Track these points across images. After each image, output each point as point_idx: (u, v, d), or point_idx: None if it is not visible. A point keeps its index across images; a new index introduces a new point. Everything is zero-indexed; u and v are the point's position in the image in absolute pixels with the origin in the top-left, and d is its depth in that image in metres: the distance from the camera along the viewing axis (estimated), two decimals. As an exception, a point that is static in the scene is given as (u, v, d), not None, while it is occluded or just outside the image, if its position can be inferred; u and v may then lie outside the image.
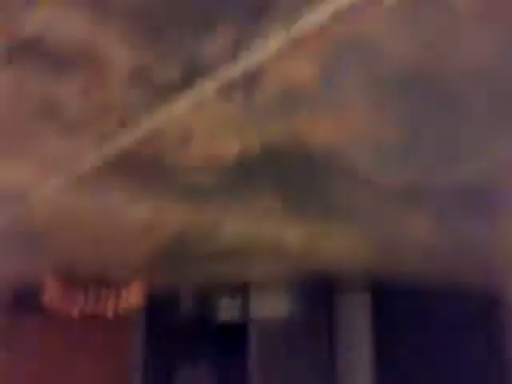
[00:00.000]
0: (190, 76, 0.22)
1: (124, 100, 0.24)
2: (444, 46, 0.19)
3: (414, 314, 0.97)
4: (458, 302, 1.06)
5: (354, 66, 0.19)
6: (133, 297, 1.02)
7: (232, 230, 0.53)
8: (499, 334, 1.12)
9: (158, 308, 1.36)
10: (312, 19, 0.19)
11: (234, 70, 0.22)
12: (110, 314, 1.05)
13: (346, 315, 0.92)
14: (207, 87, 0.23)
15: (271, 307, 1.04)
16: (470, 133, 0.24)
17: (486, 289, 1.11)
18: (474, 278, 0.98)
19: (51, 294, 1.13)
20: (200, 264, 0.75)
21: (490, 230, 0.47)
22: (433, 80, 0.20)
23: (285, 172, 0.33)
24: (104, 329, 1.52)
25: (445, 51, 0.19)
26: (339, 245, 0.54)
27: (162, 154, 0.31)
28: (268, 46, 0.20)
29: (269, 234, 0.54)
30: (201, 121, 0.26)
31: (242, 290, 1.10)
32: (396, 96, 0.21)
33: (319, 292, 0.96)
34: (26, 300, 1.54)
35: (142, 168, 0.34)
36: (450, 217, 0.41)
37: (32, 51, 0.26)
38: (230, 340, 1.16)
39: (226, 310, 1.16)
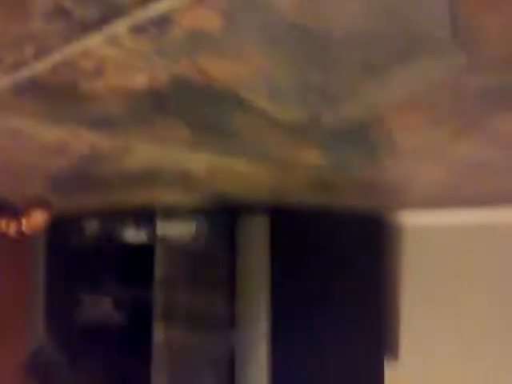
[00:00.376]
0: (107, 15, 0.24)
1: (42, 32, 0.25)
2: (328, 3, 0.23)
3: (309, 236, 1.06)
4: (347, 225, 1.16)
5: (252, 16, 0.23)
6: (37, 218, 1.02)
7: (141, 157, 0.55)
8: (384, 252, 1.27)
9: (62, 230, 1.35)
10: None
11: (147, 12, 0.24)
12: (12, 234, 1.04)
13: (246, 238, 0.99)
14: (121, 25, 0.25)
15: (176, 231, 1.09)
16: (348, 80, 0.29)
17: (372, 213, 1.23)
18: (362, 204, 1.08)
19: None
20: (108, 188, 0.76)
21: (370, 162, 0.54)
22: (317, 34, 0.24)
23: (192, 105, 0.36)
24: (5, 250, 1.50)
25: (329, 9, 0.22)
26: (240, 173, 0.59)
27: (74, 84, 0.33)
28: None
29: (176, 161, 0.57)
30: (113, 55, 0.28)
31: (148, 214, 1.13)
32: (286, 44, 0.25)
33: (222, 217, 1.02)
34: None
35: (55, 95, 0.35)
36: (336, 150, 0.47)
37: None
38: (136, 263, 1.20)
39: (132, 234, 1.19)
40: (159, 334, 1.09)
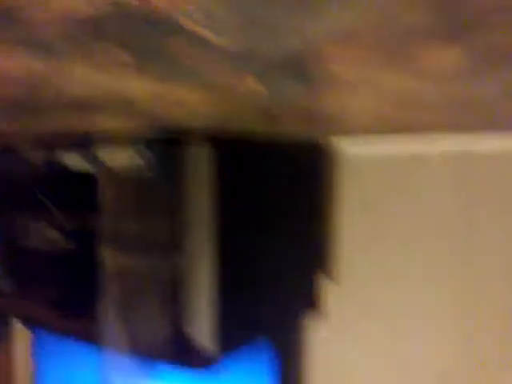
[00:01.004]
0: None
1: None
2: None
3: (251, 163, 1.09)
4: (288, 152, 1.20)
5: None
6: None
7: (81, 83, 0.55)
8: (324, 179, 1.33)
9: (2, 160, 1.32)
10: None
11: None
12: None
13: (189, 165, 1.00)
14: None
15: (119, 158, 1.09)
16: (286, 14, 0.31)
17: (312, 141, 1.27)
18: (302, 133, 1.12)
19: None
20: (48, 116, 0.75)
21: (308, 92, 0.56)
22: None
23: (133, 32, 0.36)
24: None
25: None
26: (182, 101, 0.60)
27: (15, 9, 0.32)
28: None
29: (117, 88, 0.57)
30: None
31: (90, 141, 1.12)
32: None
33: (165, 144, 1.03)
34: None
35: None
36: (275, 79, 0.48)
37: None
38: (80, 191, 1.20)
39: (75, 162, 1.17)
40: (106, 259, 1.11)
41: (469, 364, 1.24)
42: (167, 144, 1.04)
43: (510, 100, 0.59)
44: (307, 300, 1.31)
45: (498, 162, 1.19)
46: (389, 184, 1.31)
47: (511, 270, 1.20)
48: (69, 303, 1.22)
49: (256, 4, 0.29)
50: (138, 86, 0.54)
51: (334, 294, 1.36)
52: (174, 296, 1.02)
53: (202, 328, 0.97)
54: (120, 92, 0.57)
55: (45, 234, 1.27)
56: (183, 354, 1.01)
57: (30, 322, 1.45)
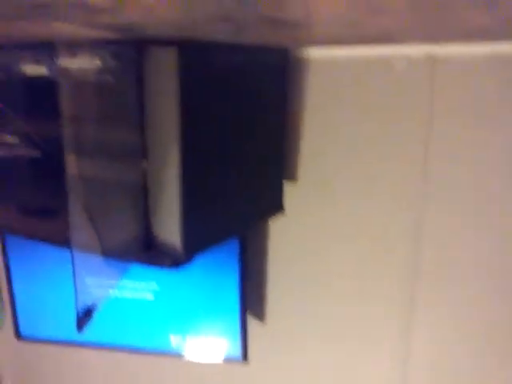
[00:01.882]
0: None
1: None
2: None
3: (218, 68, 1.08)
4: (254, 57, 1.19)
5: None
6: None
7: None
8: (290, 84, 1.33)
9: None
10: None
11: None
12: None
13: (154, 69, 0.99)
14: None
15: (80, 64, 1.06)
16: None
17: (280, 48, 1.25)
18: (269, 40, 1.10)
19: None
20: (4, 21, 0.72)
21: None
22: None
23: None
24: None
25: None
26: (148, 7, 0.58)
27: None
28: None
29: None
30: None
31: (50, 47, 1.07)
32: None
33: (128, 48, 1.00)
34: None
35: None
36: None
37: None
38: (41, 98, 1.17)
39: (34, 68, 1.13)
40: (71, 166, 1.11)
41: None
42: (128, 46, 1.01)
43: (467, 6, 0.61)
44: (270, 199, 1.37)
45: (462, 67, 1.21)
46: (352, 87, 1.32)
47: (466, 183, 1.27)
48: (36, 207, 1.23)
49: None
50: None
51: (294, 194, 1.42)
52: (141, 197, 1.05)
53: (171, 227, 1.01)
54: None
55: (6, 141, 1.25)
56: (152, 253, 1.05)
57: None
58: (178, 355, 1.56)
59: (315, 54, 1.31)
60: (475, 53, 1.16)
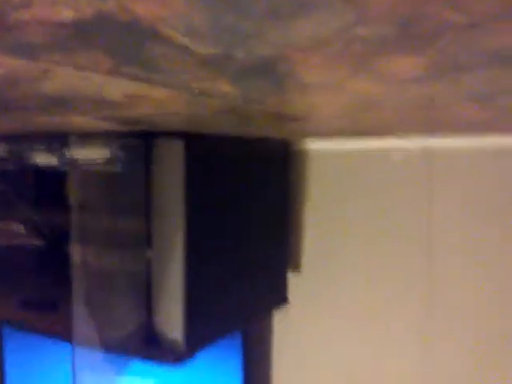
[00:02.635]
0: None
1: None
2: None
3: (222, 160, 1.11)
4: (258, 149, 1.22)
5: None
6: None
7: (58, 82, 0.56)
8: (292, 175, 1.35)
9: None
10: None
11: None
12: None
13: (161, 161, 1.02)
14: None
15: (90, 154, 1.09)
16: (256, 24, 0.33)
17: (282, 140, 1.30)
18: (272, 133, 1.14)
19: None
20: (21, 112, 0.75)
21: (278, 95, 0.59)
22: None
23: (115, 38, 0.38)
24: None
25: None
26: (157, 100, 0.61)
27: (1, 13, 0.34)
28: None
29: (93, 87, 0.58)
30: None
31: (61, 137, 1.12)
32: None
33: (137, 140, 1.04)
34: None
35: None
36: (246, 82, 0.51)
37: None
38: (49, 187, 1.20)
39: (45, 158, 1.17)
40: (77, 256, 1.11)
41: (430, 366, 1.30)
42: (137, 138, 1.04)
43: (462, 103, 0.63)
44: (274, 291, 1.34)
45: (459, 160, 1.24)
46: (352, 179, 1.35)
47: (470, 268, 1.25)
48: (38, 299, 1.21)
49: (230, 14, 0.31)
50: (115, 86, 0.55)
51: (298, 285, 1.40)
52: (144, 291, 1.03)
53: (174, 323, 0.99)
54: (96, 91, 0.58)
55: (12, 230, 1.26)
56: (155, 349, 1.02)
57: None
58: None
59: (316, 145, 1.35)
60: (471, 145, 1.20)
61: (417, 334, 1.31)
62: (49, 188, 1.19)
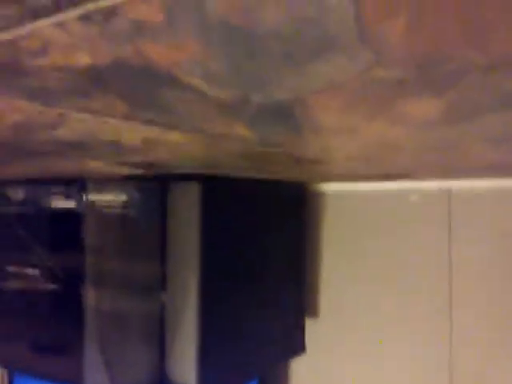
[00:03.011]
0: (58, 4, 0.26)
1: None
2: (251, 11, 0.26)
3: (239, 203, 1.10)
4: (274, 193, 1.22)
5: (188, 13, 0.26)
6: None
7: (75, 128, 0.56)
8: (308, 218, 1.34)
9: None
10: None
11: (96, 3, 0.27)
12: None
13: (177, 204, 1.02)
14: (72, 12, 0.28)
15: (106, 198, 1.10)
16: (272, 69, 0.33)
17: (298, 183, 1.29)
18: (289, 176, 1.14)
19: None
20: (38, 157, 0.76)
21: (295, 138, 0.59)
22: (244, 31, 0.27)
23: (131, 83, 0.38)
24: None
25: (252, 13, 0.26)
26: (173, 144, 0.61)
27: (17, 61, 0.34)
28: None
29: (110, 133, 0.58)
30: (59, 38, 0.30)
31: (78, 181, 1.13)
32: (217, 37, 0.28)
33: (153, 184, 1.04)
34: None
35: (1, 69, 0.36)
36: (263, 126, 0.51)
37: None
38: (65, 231, 1.20)
39: (61, 202, 1.18)
40: (91, 300, 1.10)
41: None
42: (155, 183, 1.05)
43: (480, 145, 0.62)
44: (291, 338, 1.30)
45: (476, 201, 1.22)
46: (369, 220, 1.33)
47: (491, 307, 1.21)
48: (49, 343, 1.20)
49: (247, 59, 0.31)
50: (131, 131, 0.55)
51: (314, 330, 1.36)
52: (158, 335, 1.01)
53: (187, 368, 0.96)
54: (112, 136, 0.59)
55: (27, 274, 1.25)
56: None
57: (8, 363, 1.41)
58: None
59: (332, 187, 1.34)
60: (489, 187, 1.18)
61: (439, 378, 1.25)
62: (64, 232, 1.19)
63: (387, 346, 1.30)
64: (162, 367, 0.98)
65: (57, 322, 1.20)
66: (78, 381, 1.05)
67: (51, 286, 1.20)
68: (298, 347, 1.32)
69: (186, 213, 1.01)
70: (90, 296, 1.10)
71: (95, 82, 0.37)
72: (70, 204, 1.17)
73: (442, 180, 1.22)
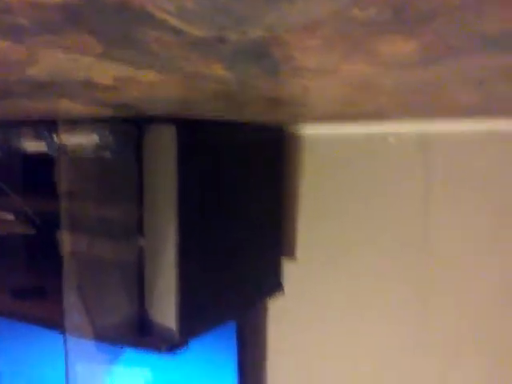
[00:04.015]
0: None
1: None
2: None
3: (215, 145, 1.11)
4: (251, 135, 1.22)
5: None
6: None
7: (46, 66, 0.56)
8: (286, 161, 1.36)
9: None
10: None
11: None
12: None
13: (153, 147, 1.02)
14: None
15: (79, 141, 1.09)
16: (251, 5, 0.33)
17: (276, 125, 1.30)
18: (266, 118, 1.14)
19: None
20: (7, 98, 0.75)
21: (272, 78, 0.59)
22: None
23: (105, 20, 0.38)
24: None
25: None
26: (148, 84, 0.61)
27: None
28: None
29: (82, 71, 0.58)
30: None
31: (50, 123, 1.11)
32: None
33: (127, 126, 1.03)
34: None
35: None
36: (240, 65, 0.51)
37: None
38: (38, 174, 1.19)
39: (33, 145, 1.17)
40: (67, 245, 1.11)
41: (426, 343, 1.32)
42: (127, 124, 1.04)
43: (456, 87, 0.64)
44: (269, 279, 1.35)
45: (455, 144, 1.25)
46: (347, 164, 1.35)
47: (466, 254, 1.27)
48: (28, 288, 1.22)
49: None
50: (104, 70, 0.55)
51: (293, 273, 1.41)
52: (137, 280, 1.04)
53: (167, 312, 1.00)
54: (85, 76, 0.58)
55: (2, 218, 1.25)
56: (148, 338, 1.03)
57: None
58: None
59: (310, 131, 1.36)
60: (467, 130, 1.21)
61: (415, 322, 1.32)
62: (38, 175, 1.19)
63: (364, 283, 1.36)
64: (142, 310, 1.02)
65: (35, 266, 1.22)
66: (57, 324, 1.08)
67: (27, 231, 1.21)
68: (276, 286, 1.37)
69: (162, 156, 1.01)
70: (67, 241, 1.12)
71: (67, 18, 0.37)
72: (41, 147, 1.16)
73: (419, 123, 1.24)
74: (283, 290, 1.39)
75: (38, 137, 1.15)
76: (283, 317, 1.46)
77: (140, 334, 1.03)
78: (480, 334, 1.26)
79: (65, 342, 1.07)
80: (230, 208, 1.15)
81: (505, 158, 1.20)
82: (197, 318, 1.04)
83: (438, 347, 1.30)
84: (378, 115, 1.10)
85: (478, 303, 1.26)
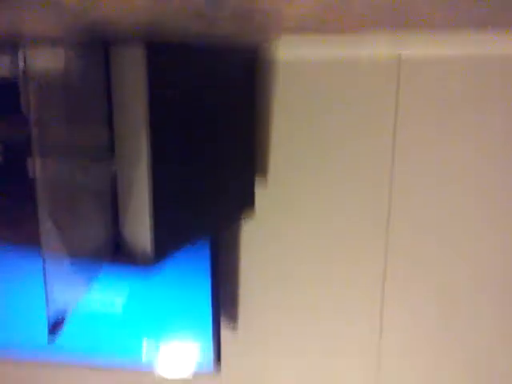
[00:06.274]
0: None
1: None
2: None
3: (186, 67, 1.10)
4: (223, 56, 1.22)
5: None
6: None
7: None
8: (258, 82, 1.36)
9: None
10: None
11: None
12: None
13: (121, 69, 1.00)
14: None
15: (45, 63, 1.07)
16: None
17: (248, 45, 1.29)
18: (238, 36, 1.14)
19: None
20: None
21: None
22: None
23: None
24: None
25: None
26: (116, 3, 0.61)
27: None
28: None
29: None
30: None
31: (12, 44, 1.08)
32: None
33: (94, 47, 1.01)
34: None
35: None
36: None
37: None
38: (5, 98, 1.17)
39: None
40: (37, 169, 1.12)
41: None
42: (97, 47, 1.02)
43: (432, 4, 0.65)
44: (242, 197, 1.39)
45: (425, 69, 1.28)
46: (320, 87, 1.37)
47: (431, 172, 1.33)
48: (2, 213, 1.23)
49: None
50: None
51: (265, 196, 1.45)
52: (110, 198, 1.06)
53: (141, 229, 1.03)
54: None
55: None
56: (123, 255, 1.06)
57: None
58: (148, 368, 1.56)
59: (283, 53, 1.35)
60: (438, 54, 1.23)
61: (376, 255, 1.40)
62: (3, 100, 1.17)
63: (336, 203, 1.42)
64: (117, 229, 1.05)
65: (7, 192, 1.23)
66: (34, 246, 1.10)
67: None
68: (249, 205, 1.42)
69: (131, 78, 1.01)
70: (37, 166, 1.12)
71: None
72: (3, 70, 1.13)
73: (392, 46, 1.25)
74: (255, 209, 1.44)
75: (1, 60, 1.12)
76: (256, 235, 1.52)
77: (115, 251, 1.06)
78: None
79: (42, 263, 1.10)
80: (202, 128, 1.17)
81: (476, 81, 1.24)
82: (171, 234, 1.09)
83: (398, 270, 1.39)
84: (351, 27, 1.10)
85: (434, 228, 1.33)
